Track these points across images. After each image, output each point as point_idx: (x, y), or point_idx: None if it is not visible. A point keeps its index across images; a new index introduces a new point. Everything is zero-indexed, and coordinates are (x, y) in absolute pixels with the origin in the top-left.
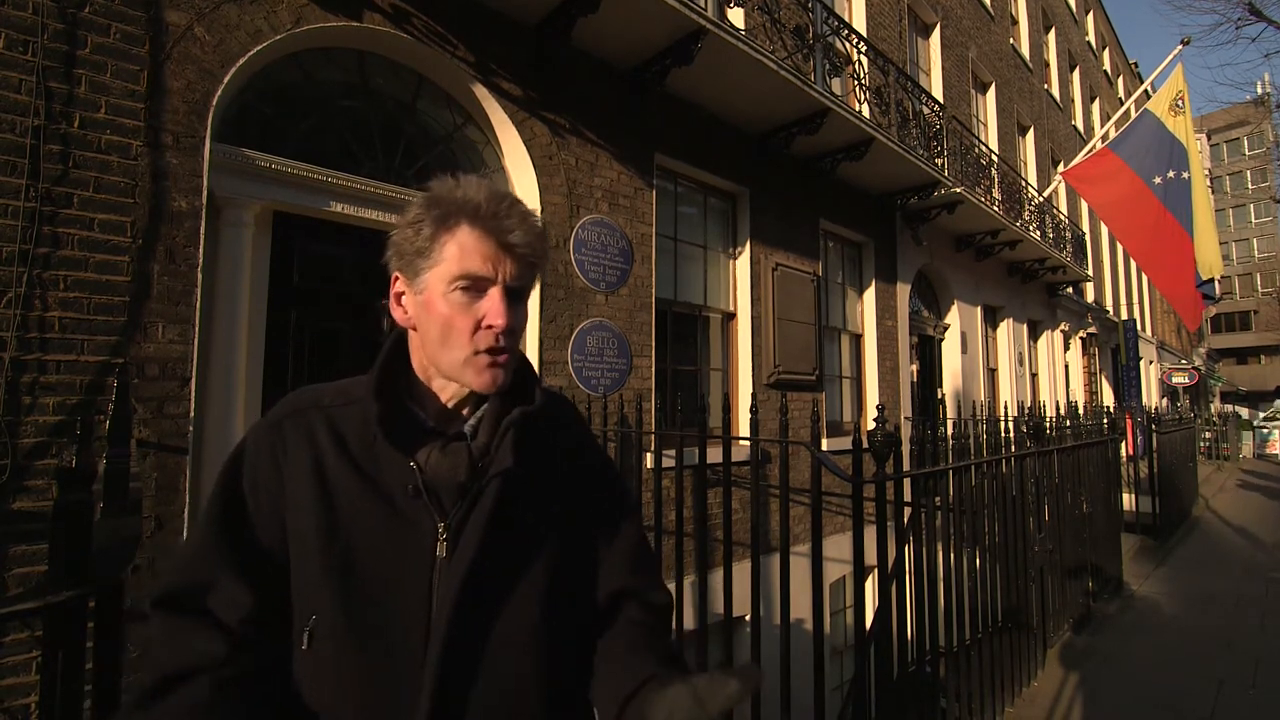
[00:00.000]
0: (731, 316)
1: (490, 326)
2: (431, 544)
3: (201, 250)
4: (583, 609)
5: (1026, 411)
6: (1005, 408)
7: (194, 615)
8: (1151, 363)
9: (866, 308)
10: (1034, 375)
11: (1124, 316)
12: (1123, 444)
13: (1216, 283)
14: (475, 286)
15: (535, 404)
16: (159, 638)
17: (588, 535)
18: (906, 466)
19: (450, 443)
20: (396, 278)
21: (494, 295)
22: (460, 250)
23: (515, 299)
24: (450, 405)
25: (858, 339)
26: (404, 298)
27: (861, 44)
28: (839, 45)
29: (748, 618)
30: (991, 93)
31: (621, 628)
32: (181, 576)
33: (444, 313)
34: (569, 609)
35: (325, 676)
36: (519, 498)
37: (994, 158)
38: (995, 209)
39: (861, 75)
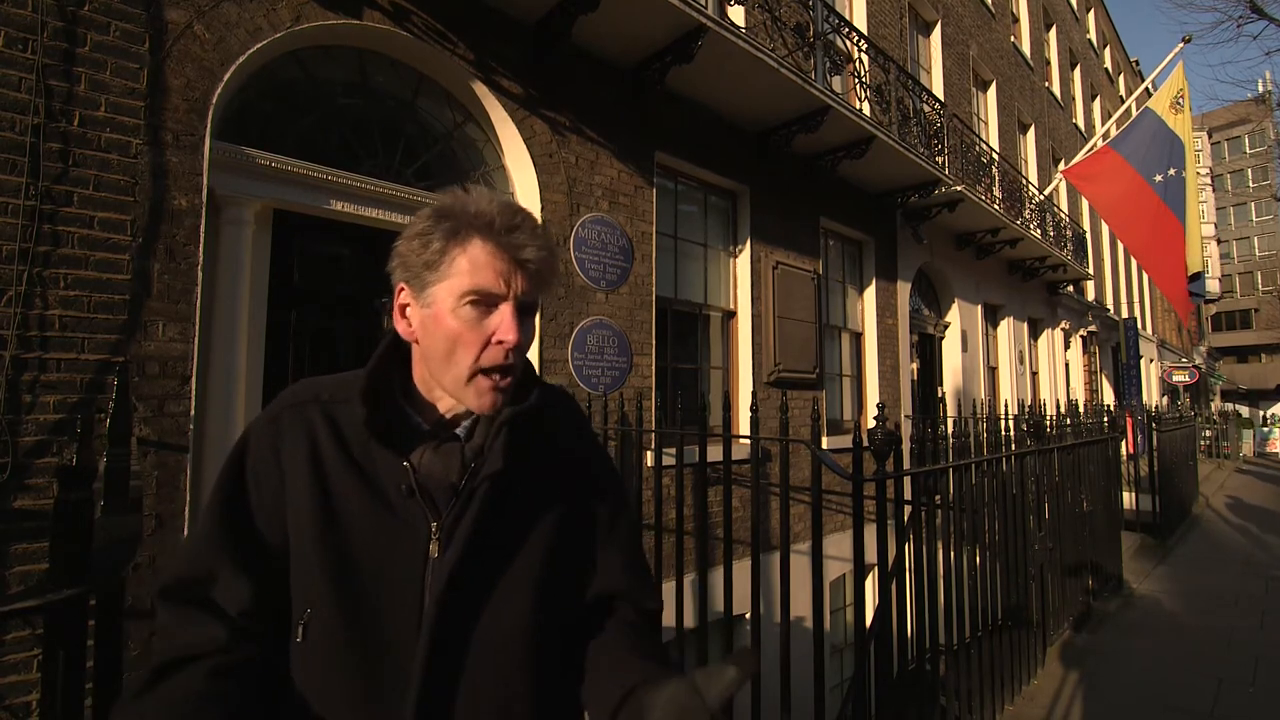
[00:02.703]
0: (732, 315)
1: (501, 342)
2: (425, 543)
3: (202, 249)
4: (575, 609)
5: (1027, 410)
6: (1005, 406)
7: (197, 605)
8: (1152, 361)
9: (867, 306)
10: (1034, 374)
11: (1124, 315)
12: (1123, 442)
13: (1218, 281)
14: (486, 302)
15: (529, 403)
16: (162, 628)
17: (582, 536)
18: (907, 465)
19: (444, 443)
20: (401, 289)
21: (505, 311)
22: (472, 265)
23: (524, 314)
24: (448, 416)
25: (858, 337)
26: (409, 310)
27: (862, 42)
28: (839, 43)
29: (748, 616)
30: (992, 91)
31: (614, 629)
32: (185, 568)
33: (452, 328)
34: (561, 609)
35: (318, 669)
36: (512, 498)
37: (995, 156)
38: (996, 207)
39: (862, 73)
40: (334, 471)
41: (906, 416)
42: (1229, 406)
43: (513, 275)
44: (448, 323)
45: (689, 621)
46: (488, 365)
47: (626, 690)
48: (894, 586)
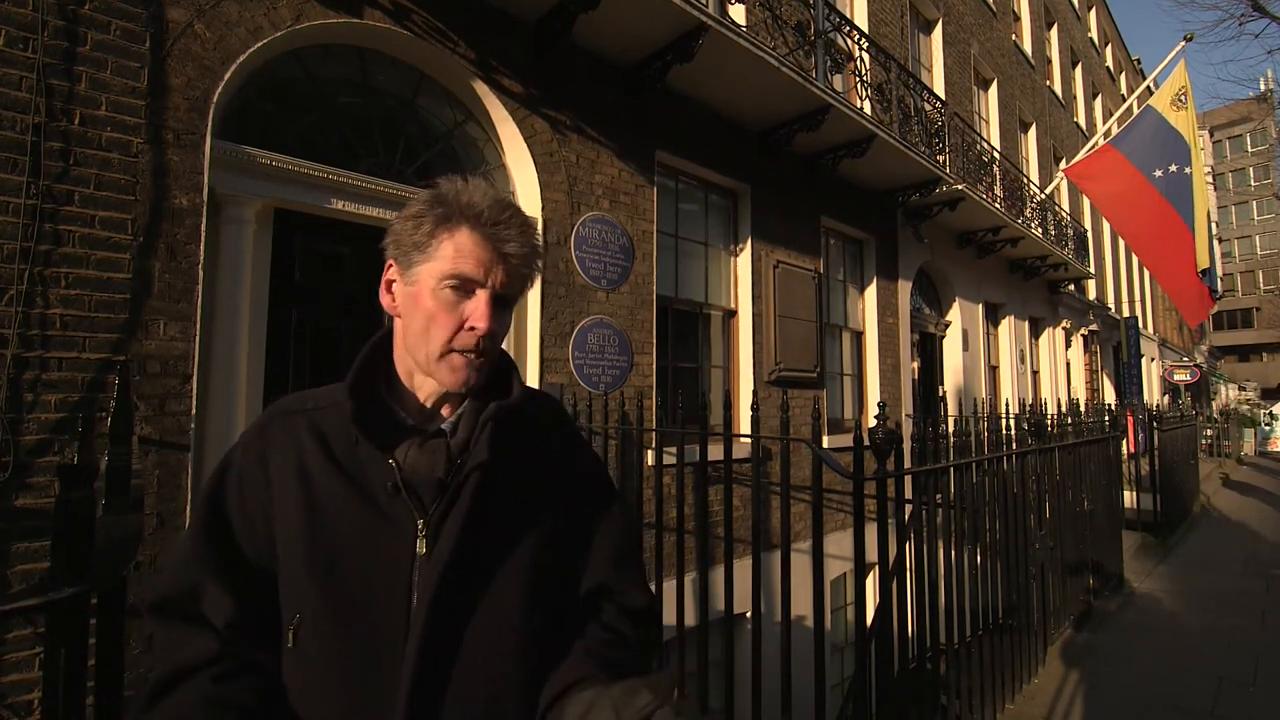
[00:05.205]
0: (733, 314)
1: (473, 328)
2: (411, 541)
3: (202, 247)
4: (566, 604)
5: (1028, 409)
6: (1006, 405)
7: (186, 620)
8: (1153, 360)
9: (868, 305)
10: (1035, 373)
11: (1126, 314)
12: (1124, 441)
13: (1220, 279)
14: (464, 288)
15: (512, 399)
16: (157, 643)
17: (572, 531)
18: (908, 464)
19: (429, 439)
20: (390, 265)
21: (481, 298)
22: (456, 251)
23: (501, 306)
24: (429, 404)
25: (859, 336)
26: (394, 285)
27: (863, 40)
28: (840, 42)
29: (749, 615)
30: (993, 89)
31: (590, 628)
32: (171, 584)
33: (429, 307)
34: (552, 603)
35: (310, 673)
36: (499, 493)
37: (996, 154)
38: (997, 206)
39: (863, 72)
40: (320, 476)
41: (907, 415)
42: (1240, 396)
43: (494, 266)
44: (426, 302)
45: (690, 620)
46: (459, 347)
47: (555, 695)
48: (895, 585)
